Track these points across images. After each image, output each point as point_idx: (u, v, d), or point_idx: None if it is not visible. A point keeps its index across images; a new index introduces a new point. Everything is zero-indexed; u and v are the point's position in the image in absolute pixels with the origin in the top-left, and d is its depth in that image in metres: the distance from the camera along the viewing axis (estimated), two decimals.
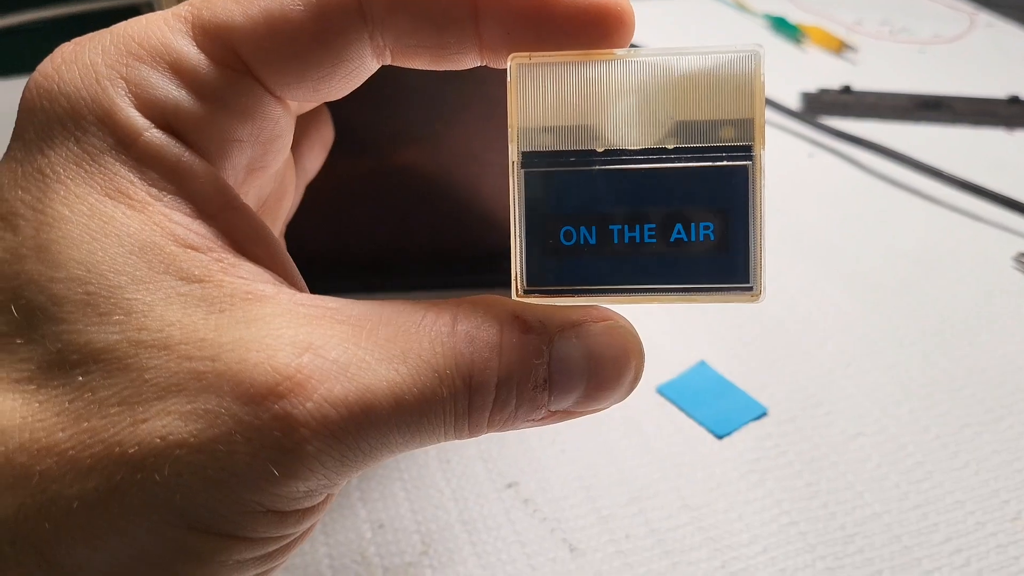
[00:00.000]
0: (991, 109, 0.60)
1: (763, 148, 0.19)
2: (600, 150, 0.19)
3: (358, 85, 0.21)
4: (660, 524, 0.32)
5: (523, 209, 0.19)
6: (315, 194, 0.35)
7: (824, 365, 0.39)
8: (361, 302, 0.20)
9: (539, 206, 0.19)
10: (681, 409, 0.37)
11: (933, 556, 0.31)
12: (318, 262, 0.42)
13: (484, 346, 0.19)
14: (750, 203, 0.19)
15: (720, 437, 0.36)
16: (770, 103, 0.59)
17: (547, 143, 0.19)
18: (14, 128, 0.19)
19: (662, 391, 0.37)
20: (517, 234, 0.19)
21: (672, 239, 0.19)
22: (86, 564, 0.17)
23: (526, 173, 0.19)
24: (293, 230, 0.31)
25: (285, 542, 0.20)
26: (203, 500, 0.17)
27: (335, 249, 0.43)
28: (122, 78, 0.18)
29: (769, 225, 0.49)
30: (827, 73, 0.65)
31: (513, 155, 0.19)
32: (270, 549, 0.19)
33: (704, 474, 0.34)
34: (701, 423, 0.36)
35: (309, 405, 0.17)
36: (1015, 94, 0.61)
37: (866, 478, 0.34)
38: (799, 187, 0.53)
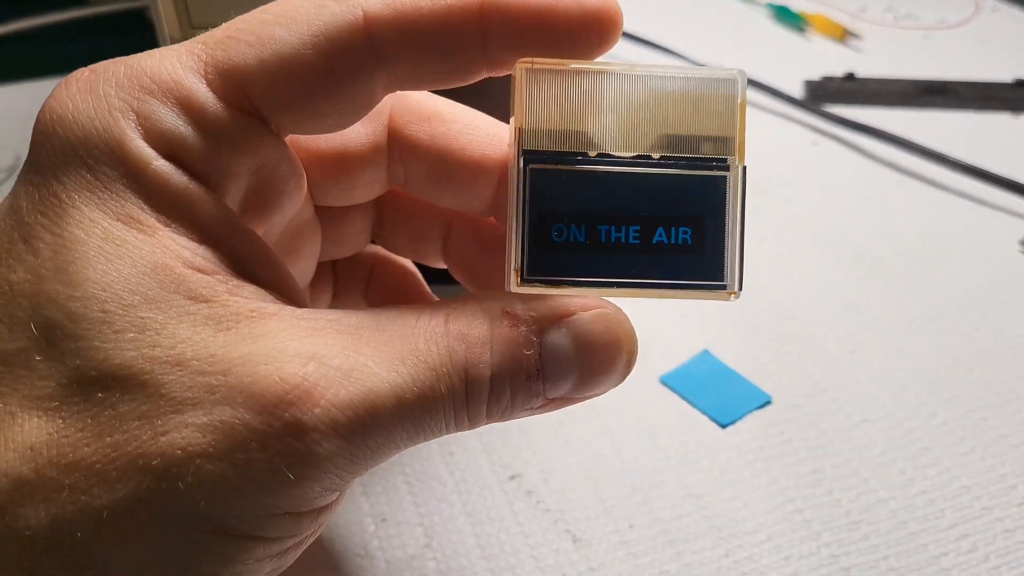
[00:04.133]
0: (997, 93, 0.59)
1: (742, 161, 0.20)
2: (593, 154, 0.20)
3: (366, 114, 0.22)
4: (664, 513, 0.32)
5: (524, 204, 0.20)
6: None
7: (829, 352, 0.39)
8: (358, 311, 0.20)
9: (538, 202, 0.20)
10: (685, 399, 0.37)
11: (939, 542, 0.31)
12: None
13: (475, 342, 0.20)
14: (727, 211, 0.20)
15: (724, 426, 0.35)
16: (773, 91, 0.59)
17: (546, 144, 0.20)
18: (29, 150, 0.20)
19: (665, 381, 0.37)
20: (516, 228, 0.20)
21: (654, 241, 0.21)
22: (118, 567, 0.18)
23: (528, 170, 0.20)
24: None
25: (300, 538, 0.21)
26: (225, 505, 0.18)
27: None
28: (133, 111, 0.19)
29: (774, 214, 0.49)
30: (831, 61, 0.65)
31: (515, 152, 0.20)
32: (286, 546, 0.20)
33: (708, 463, 0.34)
34: (705, 412, 0.36)
35: (317, 411, 0.18)
36: (1021, 78, 0.60)
37: (872, 464, 0.34)
38: (804, 175, 0.53)
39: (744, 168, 0.20)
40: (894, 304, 0.42)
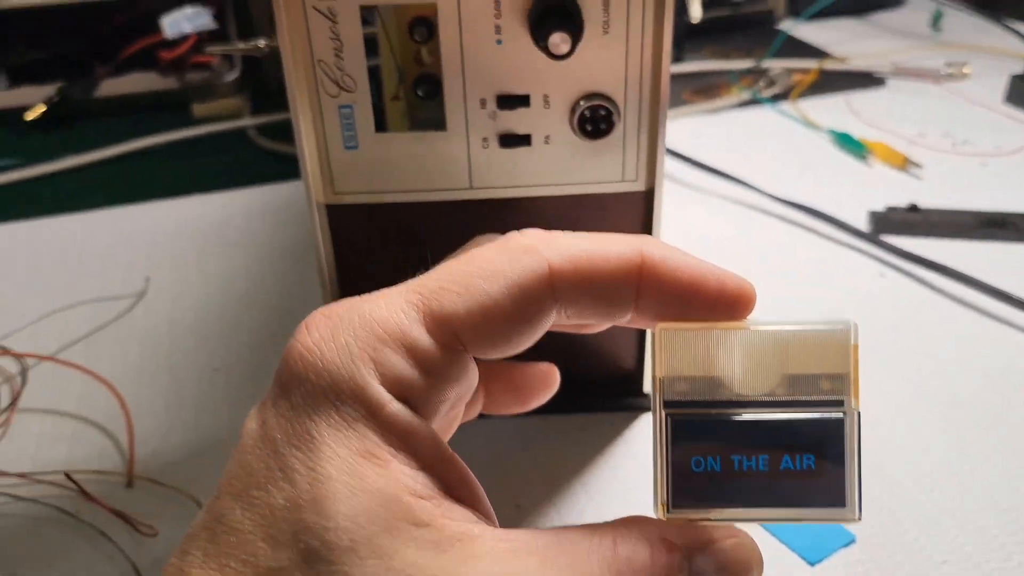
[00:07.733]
0: None
1: (857, 399, 0.25)
2: (724, 399, 0.25)
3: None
4: None
5: (667, 445, 0.25)
6: None
7: (908, 490, 0.41)
8: (543, 533, 0.24)
9: (679, 443, 0.25)
10: (773, 534, 0.39)
11: None
12: None
13: (640, 568, 0.24)
14: (844, 442, 0.25)
15: (812, 564, 0.38)
16: (839, 223, 0.62)
17: (684, 390, 0.25)
18: (279, 385, 0.25)
19: None
20: (661, 465, 0.25)
21: (782, 467, 0.24)
22: None
23: (672, 420, 0.25)
24: None
25: None
26: None
27: None
28: (371, 359, 0.24)
29: None
30: (893, 189, 0.68)
31: (657, 402, 0.25)
32: None
33: None
34: (793, 549, 0.38)
35: None
36: None
37: None
38: (871, 308, 0.55)
39: (859, 412, 0.25)
40: (970, 442, 0.44)
